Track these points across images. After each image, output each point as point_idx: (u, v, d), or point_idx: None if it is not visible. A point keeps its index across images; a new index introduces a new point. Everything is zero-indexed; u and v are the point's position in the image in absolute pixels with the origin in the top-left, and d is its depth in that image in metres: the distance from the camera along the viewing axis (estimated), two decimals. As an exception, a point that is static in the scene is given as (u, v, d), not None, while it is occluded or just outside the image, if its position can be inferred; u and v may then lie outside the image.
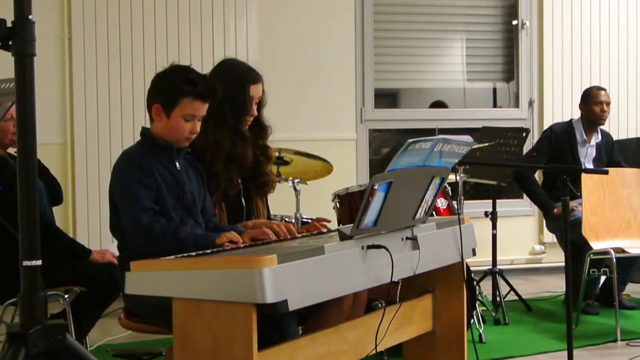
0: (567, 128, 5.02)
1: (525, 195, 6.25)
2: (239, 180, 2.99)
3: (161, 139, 2.62)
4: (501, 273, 4.80)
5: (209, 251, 2.34)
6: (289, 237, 2.64)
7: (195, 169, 2.76)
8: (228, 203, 2.96)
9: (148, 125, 2.69)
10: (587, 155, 4.98)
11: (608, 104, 4.96)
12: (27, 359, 1.88)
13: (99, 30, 5.30)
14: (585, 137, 4.98)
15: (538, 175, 5.48)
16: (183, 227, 2.48)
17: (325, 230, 2.86)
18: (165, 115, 2.58)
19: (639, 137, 6.11)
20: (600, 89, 5.04)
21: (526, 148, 5.13)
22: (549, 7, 6.20)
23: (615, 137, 5.34)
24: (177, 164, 2.64)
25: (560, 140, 4.97)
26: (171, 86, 2.59)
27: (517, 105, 6.35)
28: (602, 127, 5.11)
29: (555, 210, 4.82)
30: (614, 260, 4.22)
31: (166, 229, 2.44)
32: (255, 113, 3.00)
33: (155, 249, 2.38)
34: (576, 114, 5.30)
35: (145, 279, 2.15)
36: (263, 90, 3.03)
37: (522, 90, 6.30)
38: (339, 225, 3.75)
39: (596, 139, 5.01)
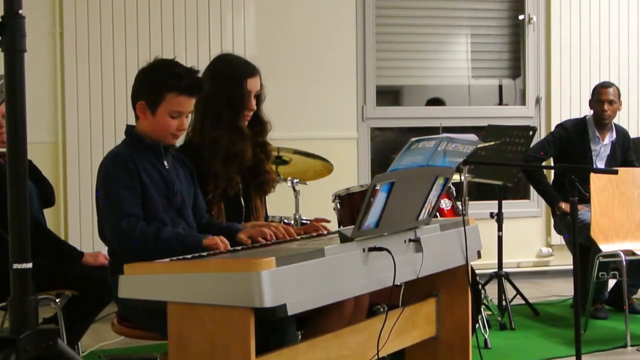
0: (579, 125, 5.02)
1: (532, 196, 6.27)
2: (238, 179, 2.98)
3: (148, 137, 2.61)
4: (507, 276, 4.80)
5: (205, 254, 2.35)
6: (288, 238, 2.64)
7: (183, 166, 2.75)
8: (227, 203, 2.95)
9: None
10: (600, 153, 4.98)
11: (611, 102, 4.92)
12: (17, 365, 1.89)
13: (91, 26, 5.30)
14: (598, 134, 4.98)
15: (548, 174, 5.48)
16: (164, 228, 2.47)
17: (324, 231, 2.86)
18: (150, 113, 2.57)
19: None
20: (604, 86, 5.01)
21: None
22: (556, 1, 6.19)
23: (625, 136, 5.34)
24: (165, 163, 2.64)
25: (571, 137, 4.96)
26: (155, 82, 2.57)
27: (523, 102, 6.35)
28: (617, 124, 5.11)
29: (561, 204, 4.83)
30: (624, 262, 4.23)
31: (146, 232, 2.43)
32: (255, 107, 3.00)
33: (140, 254, 2.38)
34: (584, 112, 5.30)
35: (139, 282, 2.15)
36: (261, 84, 3.02)
37: (529, 87, 6.30)
38: (339, 226, 3.75)
39: (610, 137, 5.00)
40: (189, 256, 2.30)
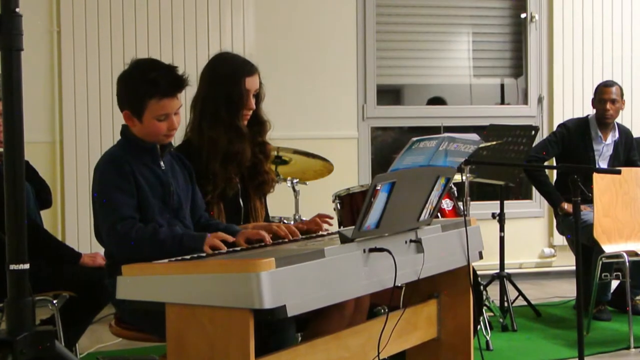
0: (581, 125, 5.02)
1: (534, 197, 6.27)
2: (237, 180, 2.98)
3: (142, 138, 2.60)
4: (509, 277, 4.80)
5: (204, 254, 2.34)
6: (290, 237, 2.63)
7: (182, 166, 2.74)
8: (226, 204, 2.95)
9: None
10: (603, 153, 4.98)
11: (613, 101, 4.92)
12: (14, 367, 1.89)
13: (89, 24, 5.30)
14: (600, 134, 4.97)
15: (551, 174, 5.48)
16: (161, 229, 2.47)
17: (326, 226, 2.86)
18: (137, 120, 2.57)
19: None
20: (607, 85, 5.01)
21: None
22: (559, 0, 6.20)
23: (628, 136, 5.34)
24: (161, 163, 2.63)
25: (574, 137, 4.96)
26: (134, 91, 2.55)
27: (525, 102, 6.35)
28: (620, 123, 5.11)
29: (563, 205, 4.84)
30: (627, 263, 4.23)
31: (143, 233, 2.43)
32: (254, 106, 2.99)
33: (136, 256, 2.38)
34: (587, 111, 5.30)
35: (138, 283, 2.15)
36: (260, 83, 3.02)
37: (531, 86, 6.30)
38: (339, 227, 3.75)
39: (613, 136, 5.00)
40: (188, 257, 2.30)
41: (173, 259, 2.27)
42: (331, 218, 2.94)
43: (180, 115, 2.63)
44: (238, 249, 2.47)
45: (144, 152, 2.59)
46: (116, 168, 2.51)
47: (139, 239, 2.42)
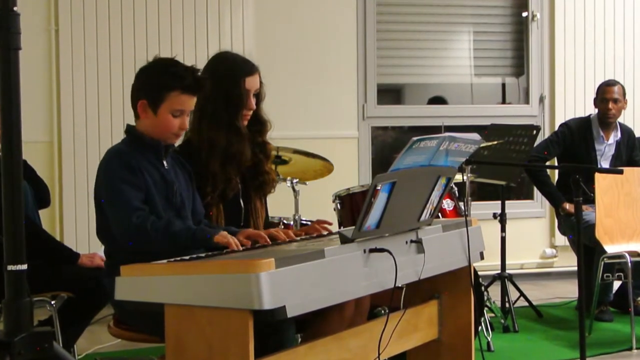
0: (583, 124, 5.01)
1: (535, 197, 6.27)
2: (238, 180, 2.98)
3: (148, 136, 2.61)
4: (510, 278, 4.80)
5: (203, 255, 2.35)
6: (287, 240, 2.64)
7: (183, 168, 2.75)
8: (226, 204, 2.95)
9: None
10: (605, 153, 4.97)
11: (616, 100, 4.91)
12: (11, 369, 1.89)
13: (87, 23, 5.29)
14: (602, 134, 4.97)
15: (552, 174, 5.48)
16: (175, 222, 2.48)
17: (325, 232, 2.86)
18: (152, 112, 2.58)
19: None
20: (609, 84, 5.00)
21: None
22: (560, -2, 6.21)
23: (630, 135, 5.33)
24: (164, 162, 2.64)
25: (575, 137, 4.96)
26: (157, 81, 2.58)
27: (527, 101, 6.35)
28: (622, 123, 5.10)
29: (565, 205, 4.84)
30: (629, 264, 4.23)
31: (158, 225, 2.43)
32: (254, 106, 2.99)
33: (148, 248, 2.39)
34: (589, 110, 5.30)
35: (136, 284, 2.15)
36: (261, 83, 3.02)
37: (533, 85, 6.30)
38: (339, 227, 3.75)
39: (615, 136, 5.00)
40: (187, 257, 2.30)
41: (172, 259, 2.27)
42: (330, 224, 2.94)
43: (189, 118, 2.66)
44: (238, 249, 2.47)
45: (148, 150, 2.61)
46: (123, 162, 2.51)
47: (154, 230, 2.42)
